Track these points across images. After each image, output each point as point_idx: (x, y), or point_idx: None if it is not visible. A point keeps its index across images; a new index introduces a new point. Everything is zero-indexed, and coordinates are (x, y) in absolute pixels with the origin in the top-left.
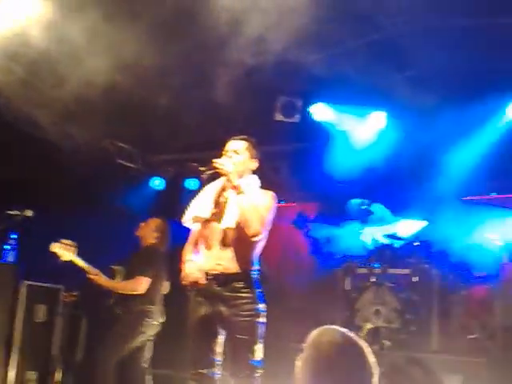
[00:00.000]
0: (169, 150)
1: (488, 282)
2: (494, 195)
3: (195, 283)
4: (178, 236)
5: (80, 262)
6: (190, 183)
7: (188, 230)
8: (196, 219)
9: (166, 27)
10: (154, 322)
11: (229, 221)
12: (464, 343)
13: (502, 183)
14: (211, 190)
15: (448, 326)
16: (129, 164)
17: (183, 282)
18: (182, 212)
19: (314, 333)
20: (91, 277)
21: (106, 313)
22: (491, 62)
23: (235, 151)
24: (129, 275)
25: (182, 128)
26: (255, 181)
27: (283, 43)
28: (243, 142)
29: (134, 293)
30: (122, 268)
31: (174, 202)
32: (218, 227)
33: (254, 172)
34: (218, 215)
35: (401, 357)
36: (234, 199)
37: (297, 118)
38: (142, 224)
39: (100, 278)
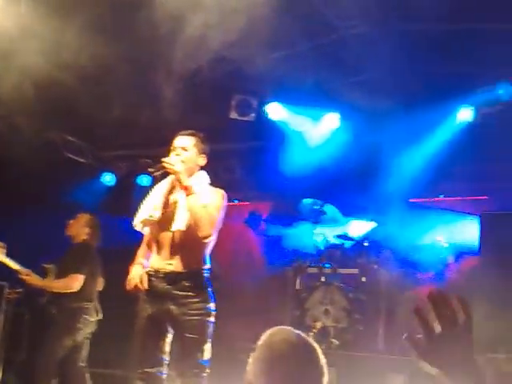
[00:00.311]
0: (121, 145)
1: (434, 282)
2: (441, 198)
3: (136, 288)
4: (129, 233)
5: (9, 263)
6: (143, 179)
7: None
8: (146, 223)
9: (110, 24)
10: (92, 319)
11: (179, 223)
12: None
13: (449, 186)
14: (160, 190)
15: (394, 325)
16: (79, 158)
17: (127, 287)
18: (133, 209)
19: (268, 332)
20: (22, 277)
21: (44, 312)
22: (443, 67)
23: (183, 148)
24: (62, 273)
25: (135, 123)
26: (205, 178)
27: (237, 42)
28: (191, 138)
29: (69, 291)
30: (54, 266)
31: (125, 198)
32: (168, 229)
33: (204, 168)
34: (168, 217)
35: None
36: (184, 201)
37: (252, 117)
38: (71, 221)
39: (32, 278)
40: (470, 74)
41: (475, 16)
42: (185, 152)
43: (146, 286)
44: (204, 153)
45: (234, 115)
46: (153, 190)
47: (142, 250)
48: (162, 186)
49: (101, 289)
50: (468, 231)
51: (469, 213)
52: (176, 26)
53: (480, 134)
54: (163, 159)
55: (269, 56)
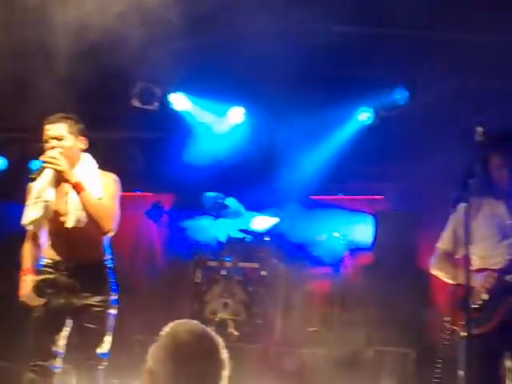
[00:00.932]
0: (14, 128)
1: (331, 276)
2: (340, 196)
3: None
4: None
5: None
6: (36, 164)
7: None
8: (37, 223)
9: None
10: None
11: (75, 221)
12: (304, 336)
13: (348, 185)
14: (46, 185)
15: (291, 318)
16: None
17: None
18: (23, 195)
19: (173, 323)
20: None
21: None
22: (344, 69)
23: (58, 138)
24: None
25: (28, 106)
26: (91, 163)
27: (137, 28)
28: (63, 125)
29: None
30: None
31: (17, 183)
32: (64, 225)
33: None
34: (61, 214)
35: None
36: (76, 198)
37: (155, 106)
38: None
39: None
40: (370, 78)
41: (375, 21)
42: (61, 142)
43: (39, 301)
44: (82, 134)
45: (136, 103)
46: (37, 185)
47: (28, 250)
48: (47, 180)
49: None
50: (364, 229)
51: (365, 211)
52: (67, 10)
53: (378, 135)
54: (42, 158)
55: (173, 45)
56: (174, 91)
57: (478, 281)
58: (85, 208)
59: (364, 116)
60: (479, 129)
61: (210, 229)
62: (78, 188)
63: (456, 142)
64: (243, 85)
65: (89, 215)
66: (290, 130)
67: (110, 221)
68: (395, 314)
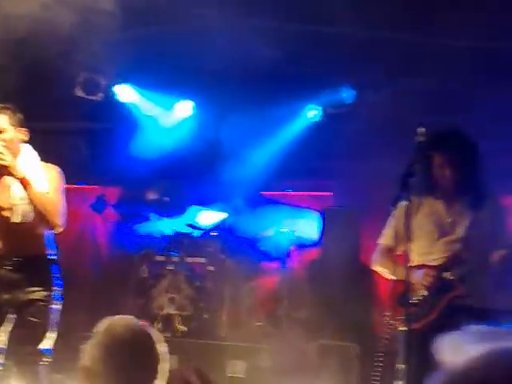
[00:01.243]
0: None
1: (278, 272)
2: (289, 192)
3: None
4: None
5: None
6: None
7: None
8: None
9: None
10: None
11: (21, 215)
12: (250, 331)
13: (297, 182)
14: None
15: (237, 314)
16: None
17: None
18: None
19: (107, 320)
20: None
21: None
22: (295, 66)
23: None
24: None
25: None
26: (32, 155)
27: (82, 16)
28: (3, 117)
29: None
30: None
31: None
32: (8, 220)
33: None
34: (4, 207)
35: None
36: (20, 191)
37: (100, 97)
38: None
39: None
40: (318, 75)
41: (323, 19)
42: (3, 135)
43: None
44: (22, 125)
45: (79, 93)
46: None
47: None
48: None
49: None
50: (310, 225)
51: (312, 208)
52: None
53: (325, 133)
54: None
55: (120, 36)
56: (121, 82)
57: (416, 277)
58: (32, 203)
59: (312, 113)
60: (421, 129)
61: (157, 223)
62: (24, 183)
63: (401, 141)
64: (191, 79)
65: (36, 210)
66: (237, 125)
67: (59, 215)
68: (340, 308)
